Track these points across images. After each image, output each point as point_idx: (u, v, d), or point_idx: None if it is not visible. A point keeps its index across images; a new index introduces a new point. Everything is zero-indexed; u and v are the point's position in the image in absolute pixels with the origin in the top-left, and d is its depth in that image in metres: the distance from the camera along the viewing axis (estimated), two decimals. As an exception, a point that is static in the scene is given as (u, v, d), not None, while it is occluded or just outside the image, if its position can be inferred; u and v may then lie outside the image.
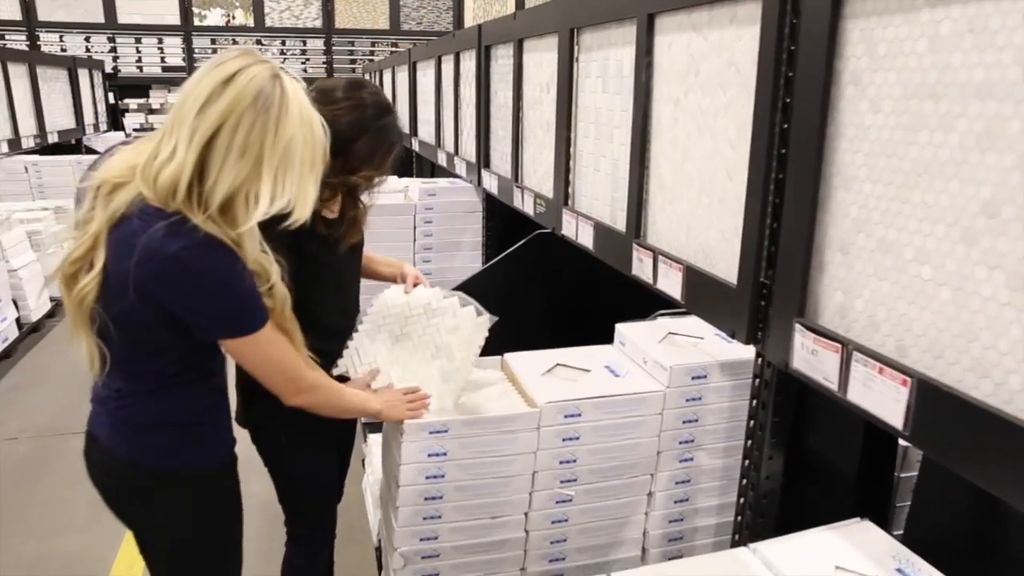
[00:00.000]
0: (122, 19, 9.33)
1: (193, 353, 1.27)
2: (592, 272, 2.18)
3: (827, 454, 1.47)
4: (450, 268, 3.35)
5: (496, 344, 1.73)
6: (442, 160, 3.92)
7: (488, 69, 3.03)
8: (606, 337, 1.88)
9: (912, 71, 0.97)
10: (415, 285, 1.77)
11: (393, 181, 3.86)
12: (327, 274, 1.63)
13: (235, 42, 9.93)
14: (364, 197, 1.67)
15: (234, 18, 10.13)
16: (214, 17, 10.08)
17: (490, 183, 3.08)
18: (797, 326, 1.18)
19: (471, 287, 2.13)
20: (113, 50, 9.36)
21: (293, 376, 1.33)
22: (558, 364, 1.70)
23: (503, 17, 2.82)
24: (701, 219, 1.49)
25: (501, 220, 3.42)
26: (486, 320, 1.70)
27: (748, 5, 1.30)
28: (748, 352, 1.41)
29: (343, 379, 1.59)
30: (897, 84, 0.99)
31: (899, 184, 1.00)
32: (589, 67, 2.00)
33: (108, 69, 9.17)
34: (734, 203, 1.38)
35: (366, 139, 1.55)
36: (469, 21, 10.48)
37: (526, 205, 2.57)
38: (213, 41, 9.71)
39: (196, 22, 9.73)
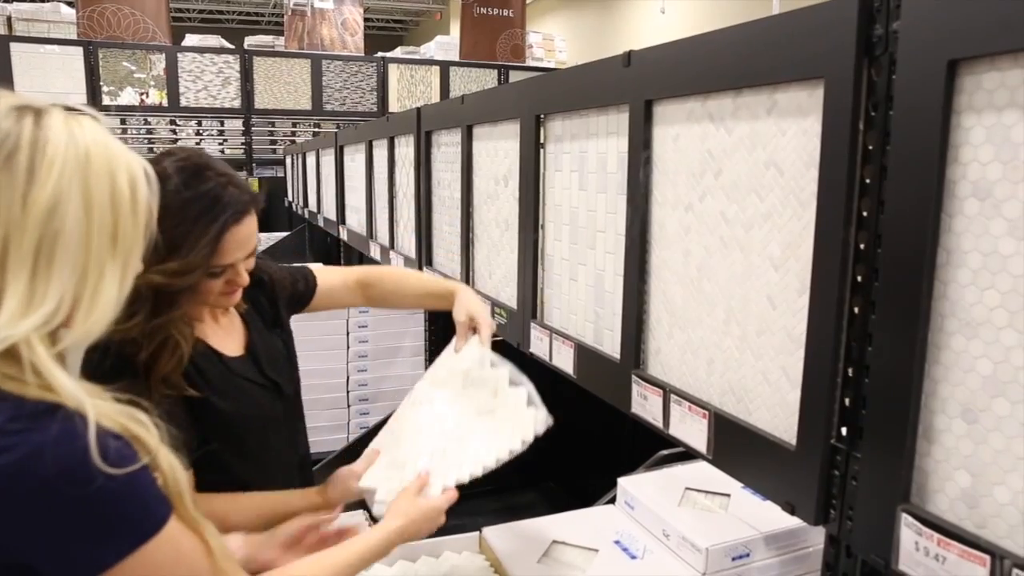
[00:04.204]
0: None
1: None
2: (558, 384, 1.84)
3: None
4: (387, 378, 2.97)
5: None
6: (375, 253, 3.57)
7: (429, 157, 2.73)
8: (585, 462, 1.53)
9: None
10: (473, 332, 1.53)
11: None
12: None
13: (147, 122, 9.46)
14: (191, 301, 1.25)
15: (148, 96, 9.68)
16: (128, 96, 9.59)
17: (433, 283, 2.72)
18: (904, 516, 0.88)
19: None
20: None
21: None
22: (554, 542, 1.33)
23: (449, 100, 2.55)
24: (730, 353, 1.19)
25: (446, 325, 3.05)
26: (534, 418, 1.34)
27: (795, 92, 1.03)
28: (796, 519, 1.10)
29: None
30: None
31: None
32: (560, 159, 1.72)
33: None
34: (780, 337, 1.08)
35: (169, 219, 1.11)
36: (393, 103, 10.33)
37: (480, 312, 2.23)
38: (123, 121, 9.16)
39: (108, 101, 9.19)
